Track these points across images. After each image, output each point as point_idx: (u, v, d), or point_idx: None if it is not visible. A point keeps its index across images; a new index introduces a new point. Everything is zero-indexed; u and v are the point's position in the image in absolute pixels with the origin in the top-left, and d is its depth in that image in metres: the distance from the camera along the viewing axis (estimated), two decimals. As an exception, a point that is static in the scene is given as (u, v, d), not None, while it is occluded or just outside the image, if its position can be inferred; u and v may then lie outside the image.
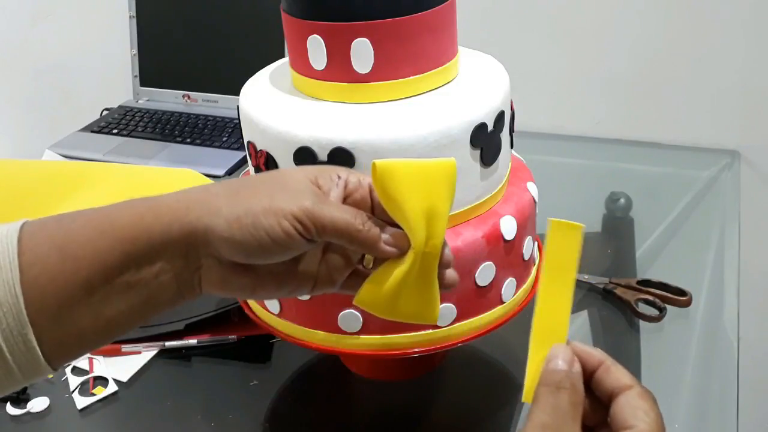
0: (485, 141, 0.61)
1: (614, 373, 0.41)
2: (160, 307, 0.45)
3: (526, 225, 0.67)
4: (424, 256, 0.44)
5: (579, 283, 0.91)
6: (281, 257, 0.44)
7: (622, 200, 1.12)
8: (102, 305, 0.42)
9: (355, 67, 0.60)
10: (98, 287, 0.42)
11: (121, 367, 0.82)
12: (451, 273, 0.47)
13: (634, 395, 0.40)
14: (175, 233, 0.42)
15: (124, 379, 0.81)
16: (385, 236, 0.45)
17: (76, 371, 0.82)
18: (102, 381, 0.81)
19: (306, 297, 0.56)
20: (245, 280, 0.45)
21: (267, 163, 0.62)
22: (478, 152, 0.61)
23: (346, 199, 0.46)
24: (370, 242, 0.44)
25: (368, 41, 0.59)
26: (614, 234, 1.08)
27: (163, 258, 0.43)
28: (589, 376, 0.42)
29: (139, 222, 0.42)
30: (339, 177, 0.46)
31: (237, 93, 0.68)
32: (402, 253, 0.44)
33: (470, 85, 0.64)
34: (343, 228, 0.43)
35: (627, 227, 1.07)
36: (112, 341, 0.45)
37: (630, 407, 0.40)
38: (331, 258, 0.46)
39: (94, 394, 0.79)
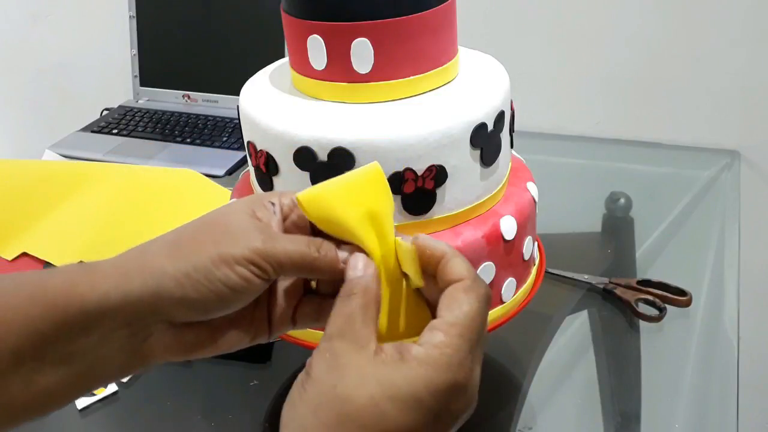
0: (485, 141, 0.61)
1: (452, 267, 0.41)
2: (103, 380, 0.42)
3: (526, 225, 0.67)
4: (386, 262, 0.43)
5: (579, 283, 0.91)
6: (241, 304, 0.42)
7: (622, 200, 1.12)
8: (34, 375, 0.39)
9: (355, 67, 0.60)
10: (28, 356, 0.39)
11: (121, 367, 0.82)
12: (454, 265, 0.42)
13: (459, 288, 0.40)
14: (113, 302, 0.39)
15: (125, 378, 0.81)
16: (342, 254, 0.42)
17: (76, 371, 0.82)
18: (102, 381, 0.80)
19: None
20: (204, 335, 0.43)
21: (267, 163, 0.62)
22: (478, 152, 0.61)
23: (285, 222, 0.44)
24: (330, 266, 0.42)
25: (368, 41, 0.59)
26: (614, 234, 1.08)
27: (100, 328, 0.40)
28: (434, 269, 0.42)
29: (71, 290, 0.39)
30: (273, 204, 0.44)
31: (237, 93, 0.68)
32: (364, 267, 0.42)
33: (470, 85, 0.64)
34: (300, 260, 0.41)
35: (627, 227, 1.07)
36: (46, 414, 0.43)
37: (448, 298, 0.40)
38: (280, 288, 0.45)
39: (94, 394, 0.79)
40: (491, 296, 0.41)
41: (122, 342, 0.41)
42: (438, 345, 0.38)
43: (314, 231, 0.44)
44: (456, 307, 0.39)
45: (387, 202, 0.44)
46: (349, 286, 0.41)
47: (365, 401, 0.36)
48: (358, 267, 0.41)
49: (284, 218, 0.44)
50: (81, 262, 0.42)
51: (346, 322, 0.39)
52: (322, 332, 0.65)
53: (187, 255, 0.40)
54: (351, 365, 0.37)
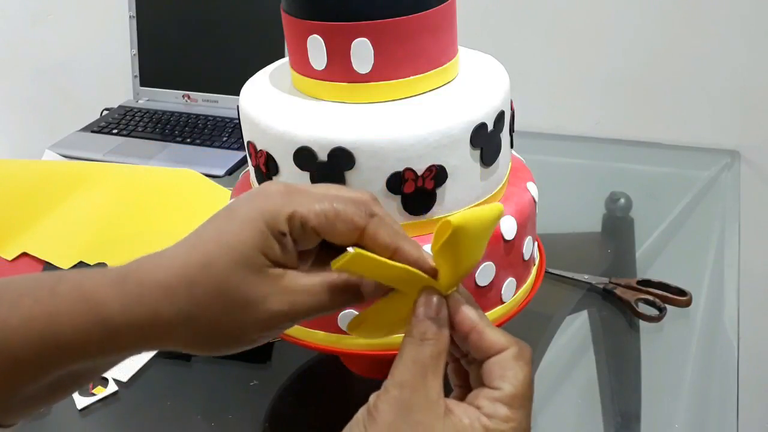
0: (485, 141, 0.61)
1: (489, 337, 0.40)
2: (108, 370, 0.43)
3: (526, 225, 0.67)
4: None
5: (579, 283, 0.91)
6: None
7: (622, 200, 1.12)
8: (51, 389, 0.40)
9: (355, 67, 0.60)
10: (30, 386, 0.39)
11: (121, 366, 0.81)
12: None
13: (508, 357, 0.39)
14: (130, 353, 0.39)
15: (124, 379, 0.81)
16: (368, 294, 0.41)
17: (76, 371, 0.82)
18: (102, 381, 0.81)
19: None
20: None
21: (267, 163, 0.62)
22: (478, 152, 0.61)
23: (296, 243, 0.40)
24: (351, 304, 0.41)
25: (368, 41, 0.59)
26: (614, 234, 1.08)
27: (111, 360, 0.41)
28: (463, 336, 0.40)
29: (86, 340, 0.38)
30: (283, 234, 0.39)
31: (237, 93, 0.68)
32: (437, 308, 0.40)
33: (470, 85, 0.64)
34: (319, 310, 0.40)
35: (627, 227, 1.07)
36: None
37: (499, 368, 0.39)
38: None
39: (94, 394, 0.79)
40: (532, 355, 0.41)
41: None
42: (505, 419, 0.38)
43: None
44: (512, 377, 0.39)
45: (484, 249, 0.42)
46: (422, 328, 0.39)
47: None
48: (431, 306, 0.39)
49: (296, 241, 0.40)
50: (80, 290, 0.39)
51: (420, 372, 0.38)
52: (322, 332, 0.65)
53: (207, 336, 0.39)
54: (423, 424, 0.37)
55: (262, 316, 0.39)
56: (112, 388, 0.79)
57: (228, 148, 1.30)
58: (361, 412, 0.38)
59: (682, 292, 0.86)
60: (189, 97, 1.44)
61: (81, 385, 0.43)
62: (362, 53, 0.59)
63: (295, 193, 0.40)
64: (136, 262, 0.39)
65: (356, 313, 0.43)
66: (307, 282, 0.40)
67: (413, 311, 0.39)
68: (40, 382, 0.39)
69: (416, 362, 0.38)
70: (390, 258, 0.39)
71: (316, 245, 0.41)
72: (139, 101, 1.49)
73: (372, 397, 0.38)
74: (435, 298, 0.40)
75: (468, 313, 0.40)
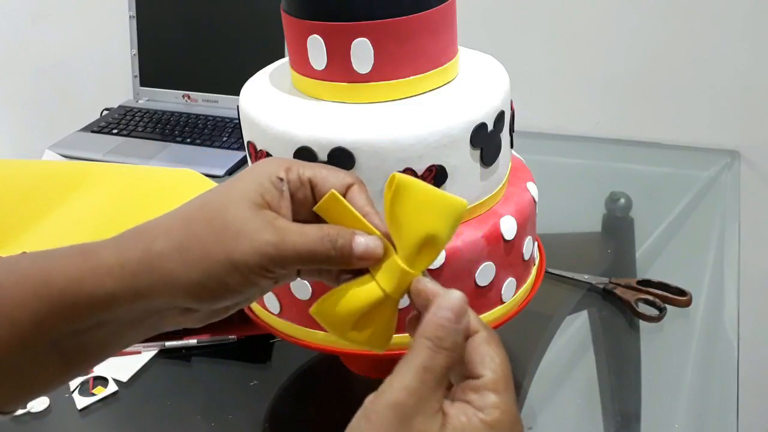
0: (485, 141, 0.61)
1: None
2: (112, 352, 0.43)
3: (526, 225, 0.67)
4: (402, 277, 0.41)
5: (579, 283, 0.91)
6: (251, 297, 0.44)
7: (622, 200, 1.12)
8: (47, 357, 0.40)
9: (355, 67, 0.60)
10: (40, 347, 0.40)
11: (121, 366, 0.82)
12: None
13: (480, 341, 0.39)
14: (122, 300, 0.40)
15: (124, 379, 0.81)
16: (357, 250, 0.41)
17: (76, 371, 0.82)
18: (102, 381, 0.81)
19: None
20: (204, 311, 0.43)
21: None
22: (478, 152, 0.61)
23: (293, 200, 0.43)
24: (343, 261, 0.41)
25: (368, 41, 0.59)
26: (614, 234, 1.08)
27: (109, 318, 0.41)
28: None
29: (77, 289, 0.39)
30: (281, 180, 0.42)
31: (237, 93, 0.68)
32: (458, 315, 0.39)
33: (470, 85, 0.64)
34: (311, 257, 0.40)
35: (627, 227, 1.07)
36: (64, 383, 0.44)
37: (478, 354, 0.39)
38: None
39: (94, 394, 0.79)
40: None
41: (132, 323, 0.42)
42: (495, 405, 0.38)
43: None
44: (490, 362, 0.38)
45: (449, 238, 0.42)
46: (441, 333, 0.37)
47: None
48: (454, 311, 0.38)
49: (292, 194, 0.43)
50: (80, 246, 0.41)
51: (430, 381, 0.37)
52: (322, 332, 0.65)
53: (197, 261, 0.39)
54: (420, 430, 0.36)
55: (252, 247, 0.39)
56: (112, 388, 0.79)
57: (228, 148, 1.30)
58: (357, 417, 0.37)
59: (682, 292, 0.86)
60: (189, 97, 1.44)
61: (109, 352, 0.43)
62: (362, 53, 0.59)
63: (294, 160, 0.44)
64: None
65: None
66: (297, 226, 0.41)
67: (432, 309, 0.38)
68: (59, 336, 0.40)
69: (428, 370, 0.37)
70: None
71: (310, 210, 0.43)
72: (139, 101, 1.49)
73: (368, 399, 0.37)
74: (458, 301, 0.38)
75: (436, 288, 0.40)
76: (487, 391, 0.38)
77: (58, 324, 0.39)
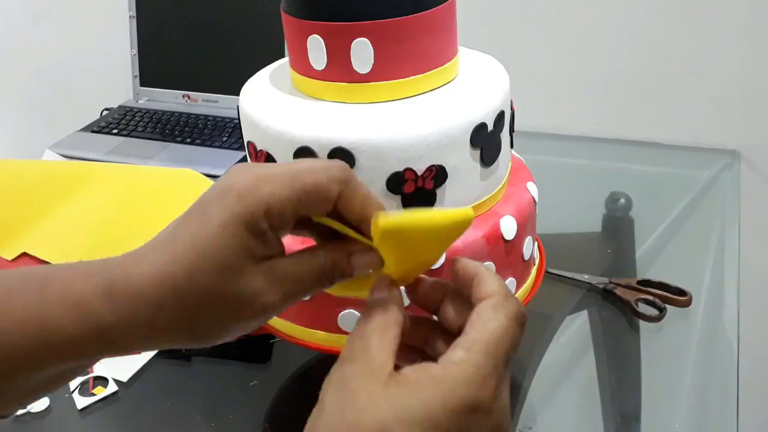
0: (485, 141, 0.61)
1: (484, 285, 0.38)
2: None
3: (526, 225, 0.67)
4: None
5: (579, 283, 0.91)
6: None
7: (622, 200, 1.12)
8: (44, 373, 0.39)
9: (355, 67, 0.60)
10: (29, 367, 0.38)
11: (121, 366, 0.82)
12: None
13: (487, 305, 0.37)
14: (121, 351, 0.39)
15: (124, 379, 0.81)
16: (357, 270, 0.40)
17: (76, 371, 0.82)
18: (102, 381, 0.81)
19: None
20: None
21: (267, 162, 0.62)
22: (478, 152, 0.61)
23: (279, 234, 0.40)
24: (342, 280, 0.41)
25: (368, 41, 0.59)
26: (614, 234, 1.08)
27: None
28: (468, 291, 0.39)
29: (76, 346, 0.38)
30: (264, 232, 0.38)
31: (237, 93, 0.68)
32: (388, 288, 0.40)
33: (470, 85, 0.64)
34: (313, 292, 0.41)
35: (627, 227, 1.07)
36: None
37: (475, 315, 0.37)
38: None
39: (94, 394, 0.79)
40: (525, 316, 0.38)
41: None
42: (457, 362, 0.35)
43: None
44: (480, 324, 0.36)
45: (445, 251, 0.42)
46: (369, 306, 0.38)
47: (374, 426, 0.33)
48: (381, 288, 0.39)
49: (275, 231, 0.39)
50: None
51: (361, 344, 0.36)
52: (322, 332, 0.65)
53: (202, 335, 0.39)
54: (361, 389, 0.35)
55: (256, 309, 0.38)
56: (112, 388, 0.79)
57: (228, 148, 1.30)
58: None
59: (682, 292, 0.86)
60: (189, 97, 1.44)
61: (78, 374, 0.43)
62: (362, 53, 0.59)
63: (265, 180, 0.38)
64: (119, 266, 0.38)
65: (357, 314, 0.43)
66: (296, 270, 0.39)
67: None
68: (36, 379, 0.39)
69: (359, 336, 0.37)
70: (358, 226, 0.40)
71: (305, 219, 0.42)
72: (139, 101, 1.49)
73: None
74: (385, 280, 0.40)
75: (473, 264, 0.40)
76: (458, 348, 0.36)
77: (54, 367, 0.39)
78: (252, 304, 0.38)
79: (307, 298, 0.41)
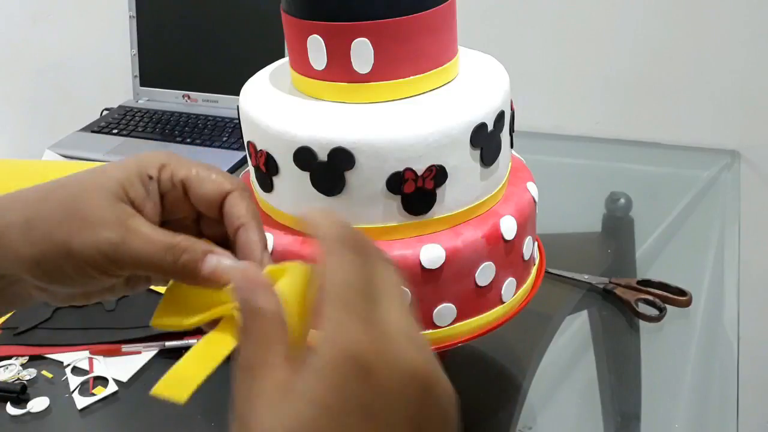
0: (485, 141, 0.61)
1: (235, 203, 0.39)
2: None
3: (526, 225, 0.67)
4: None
5: (579, 283, 0.91)
6: (101, 287, 0.41)
7: (622, 200, 1.12)
8: None
9: (355, 67, 0.60)
10: None
11: (121, 367, 0.82)
12: None
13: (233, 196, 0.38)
14: None
15: (124, 379, 0.81)
16: (206, 270, 0.38)
17: (76, 371, 0.82)
18: (102, 381, 0.81)
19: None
20: (79, 294, 0.41)
21: (267, 163, 0.62)
22: (478, 152, 0.61)
23: (164, 200, 0.40)
24: (188, 278, 0.38)
25: (368, 41, 0.59)
26: (614, 234, 1.08)
27: None
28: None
29: None
30: (150, 178, 0.39)
31: (237, 93, 0.68)
32: (224, 283, 0.37)
33: (470, 85, 0.64)
34: (151, 266, 0.38)
35: (627, 227, 1.07)
36: None
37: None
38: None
39: (94, 394, 0.79)
40: (367, 243, 0.34)
41: None
42: (319, 331, 0.30)
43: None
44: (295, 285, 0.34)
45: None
46: (244, 312, 0.33)
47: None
48: (248, 286, 0.34)
49: (163, 194, 0.40)
50: None
51: (255, 350, 0.32)
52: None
53: (38, 240, 0.38)
54: (260, 396, 0.31)
55: (91, 240, 0.37)
56: (112, 388, 0.79)
57: (228, 148, 1.30)
58: None
59: (682, 292, 0.86)
60: (189, 97, 1.44)
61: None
62: (362, 53, 0.59)
63: (175, 155, 0.40)
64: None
65: None
66: (149, 230, 0.38)
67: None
68: None
69: (249, 342, 0.33)
70: (235, 233, 0.39)
71: (188, 215, 0.41)
72: (139, 101, 1.49)
73: None
74: (251, 274, 0.35)
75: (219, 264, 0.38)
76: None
77: None
78: (92, 229, 0.37)
79: (148, 272, 0.39)
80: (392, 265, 0.34)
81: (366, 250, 0.33)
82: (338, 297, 0.30)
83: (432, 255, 0.60)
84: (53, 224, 0.38)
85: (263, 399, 0.30)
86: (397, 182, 0.58)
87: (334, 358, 0.29)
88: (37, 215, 0.38)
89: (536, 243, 0.73)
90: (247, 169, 0.71)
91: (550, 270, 0.91)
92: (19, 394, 0.78)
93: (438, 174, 0.59)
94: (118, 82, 1.58)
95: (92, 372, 0.81)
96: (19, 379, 0.81)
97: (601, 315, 0.87)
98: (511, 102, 0.66)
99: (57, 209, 0.38)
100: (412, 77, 0.61)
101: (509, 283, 0.66)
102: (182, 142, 1.34)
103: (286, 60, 0.69)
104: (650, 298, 0.86)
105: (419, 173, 0.59)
